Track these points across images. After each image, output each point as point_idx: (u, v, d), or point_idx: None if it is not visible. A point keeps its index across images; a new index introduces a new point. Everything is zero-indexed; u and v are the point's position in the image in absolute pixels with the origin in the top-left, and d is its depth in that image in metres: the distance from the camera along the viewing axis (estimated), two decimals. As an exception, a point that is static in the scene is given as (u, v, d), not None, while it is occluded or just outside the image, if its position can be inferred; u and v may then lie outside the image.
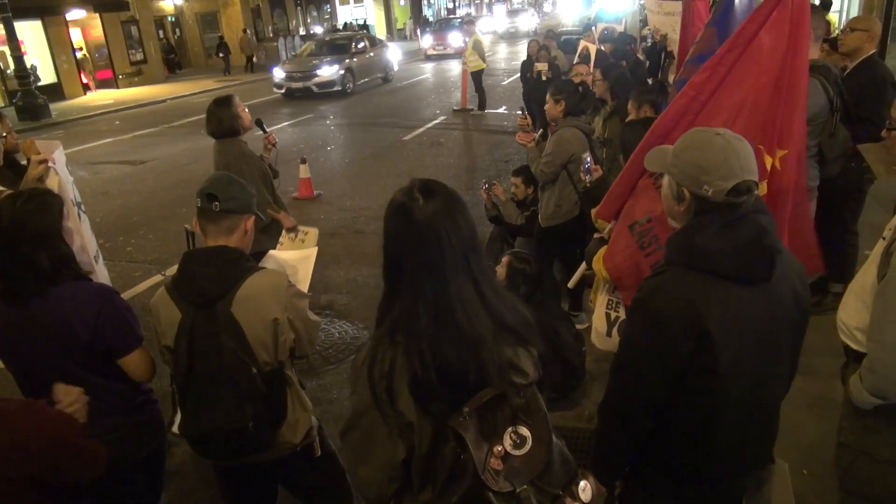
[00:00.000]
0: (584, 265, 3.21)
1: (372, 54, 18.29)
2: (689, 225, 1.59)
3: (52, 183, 2.77)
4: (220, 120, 3.70)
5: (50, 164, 2.80)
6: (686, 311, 1.49)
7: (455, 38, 24.67)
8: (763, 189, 2.45)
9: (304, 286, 2.29)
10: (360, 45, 18.14)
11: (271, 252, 2.43)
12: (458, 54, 23.14)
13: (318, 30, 30.66)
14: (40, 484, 1.53)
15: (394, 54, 19.78)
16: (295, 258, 2.48)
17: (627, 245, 2.61)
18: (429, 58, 25.29)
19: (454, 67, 21.00)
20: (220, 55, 22.85)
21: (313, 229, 3.83)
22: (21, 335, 1.94)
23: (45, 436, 1.53)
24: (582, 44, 7.68)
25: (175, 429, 2.21)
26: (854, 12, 11.53)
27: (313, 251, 2.59)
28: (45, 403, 1.66)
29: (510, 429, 1.27)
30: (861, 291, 1.90)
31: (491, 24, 37.20)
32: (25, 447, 1.48)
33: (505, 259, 3.53)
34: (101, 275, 3.03)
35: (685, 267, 1.55)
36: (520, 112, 4.89)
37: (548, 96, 4.09)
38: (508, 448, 1.26)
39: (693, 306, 1.49)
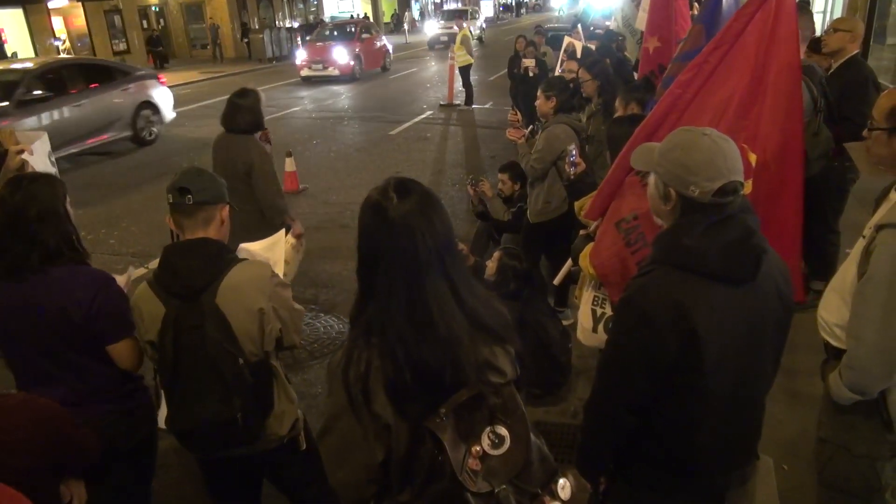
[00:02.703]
0: (570, 262, 3.22)
1: (85, 102, 9.07)
2: (675, 225, 1.59)
3: None
4: (245, 114, 3.54)
5: (26, 155, 2.75)
6: (673, 310, 1.49)
7: (341, 54, 16.97)
8: (748, 188, 2.47)
9: (279, 269, 2.25)
10: (58, 82, 8.89)
11: (242, 245, 2.41)
12: (347, 76, 16.96)
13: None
14: (50, 471, 1.56)
15: (163, 96, 10.62)
16: (264, 246, 2.47)
17: (614, 242, 2.62)
18: (305, 80, 17.06)
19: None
20: (245, 41, 22.31)
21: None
22: (15, 316, 1.95)
23: (43, 429, 1.55)
24: (567, 40, 7.66)
25: (160, 423, 2.20)
26: (838, 13, 11.64)
27: (280, 234, 2.60)
28: (39, 397, 1.67)
29: (488, 429, 1.26)
30: (841, 289, 1.93)
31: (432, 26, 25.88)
32: (28, 440, 1.50)
33: (496, 255, 3.54)
34: None
35: (672, 266, 1.55)
36: (510, 108, 4.88)
37: (539, 92, 4.07)
38: (486, 448, 1.24)
39: (680, 306, 1.49)
